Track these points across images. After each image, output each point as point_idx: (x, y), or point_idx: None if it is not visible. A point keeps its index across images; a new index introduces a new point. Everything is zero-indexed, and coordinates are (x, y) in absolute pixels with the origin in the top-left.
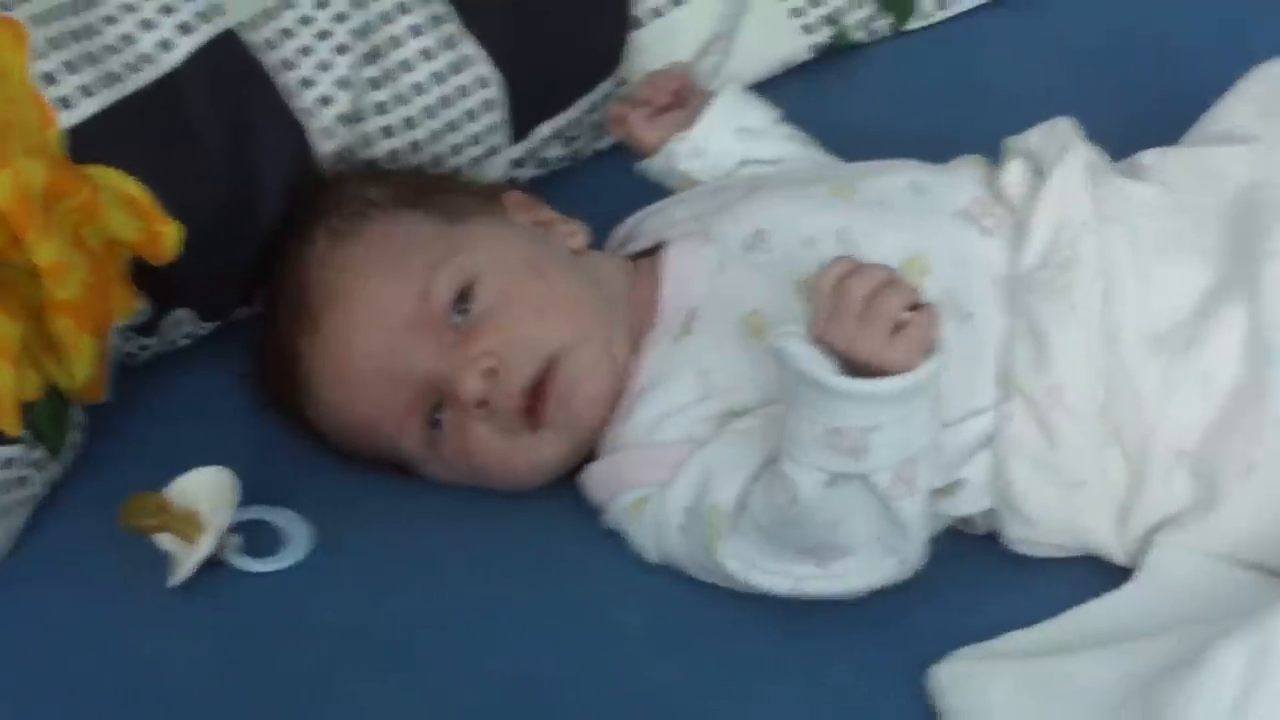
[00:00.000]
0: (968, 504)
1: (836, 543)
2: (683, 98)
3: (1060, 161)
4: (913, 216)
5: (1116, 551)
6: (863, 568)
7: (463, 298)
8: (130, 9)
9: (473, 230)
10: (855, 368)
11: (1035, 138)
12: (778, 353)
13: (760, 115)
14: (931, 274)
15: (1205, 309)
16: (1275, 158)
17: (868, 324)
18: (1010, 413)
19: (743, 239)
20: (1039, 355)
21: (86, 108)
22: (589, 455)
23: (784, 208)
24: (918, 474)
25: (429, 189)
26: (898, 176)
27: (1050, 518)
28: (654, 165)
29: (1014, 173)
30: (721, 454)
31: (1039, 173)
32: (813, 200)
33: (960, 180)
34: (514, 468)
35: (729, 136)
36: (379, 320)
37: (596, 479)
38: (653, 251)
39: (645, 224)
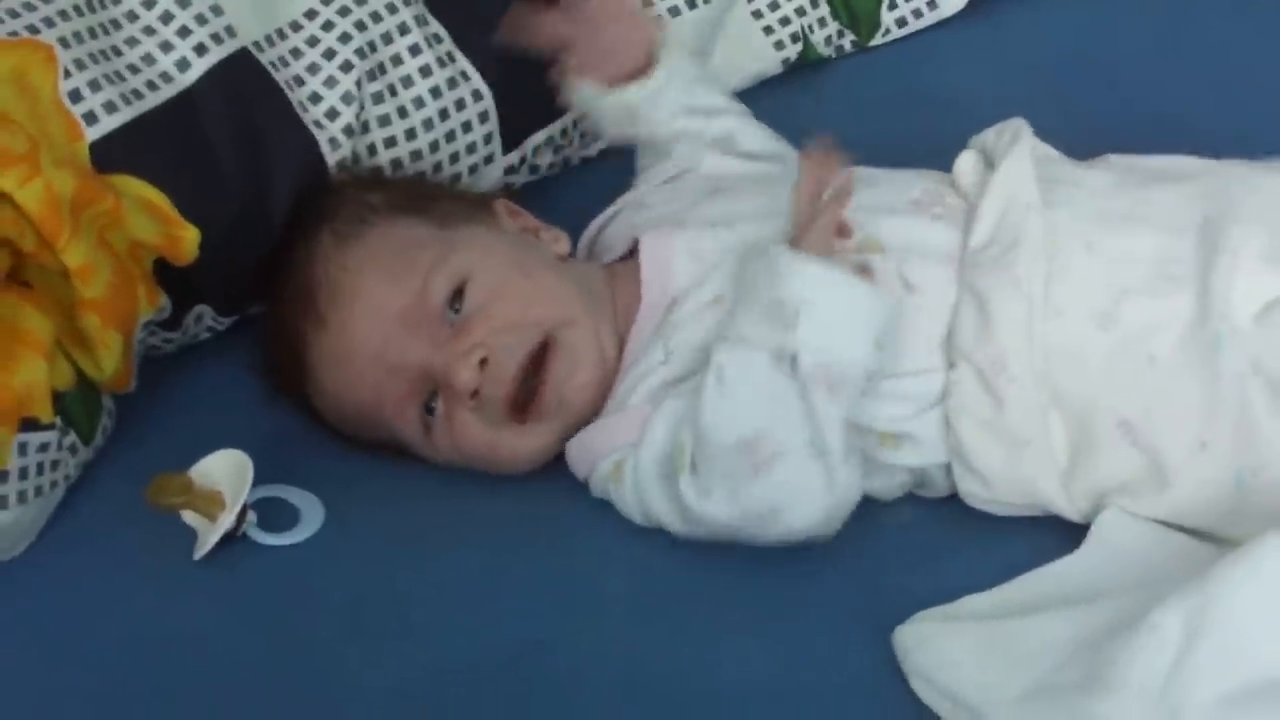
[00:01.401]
0: (913, 457)
1: (768, 442)
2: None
3: (1009, 153)
4: (868, 208)
5: (1068, 510)
6: (794, 474)
7: (456, 296)
8: (150, 32)
9: (464, 235)
10: None
11: (990, 134)
12: (754, 248)
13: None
14: (885, 251)
15: (1153, 292)
16: (1236, 169)
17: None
18: (958, 378)
19: (712, 221)
20: (982, 325)
21: (110, 122)
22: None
23: (749, 200)
24: (839, 383)
25: (423, 196)
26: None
27: (1001, 475)
28: (604, 101)
29: (966, 162)
30: (681, 405)
31: (990, 165)
32: (774, 195)
33: (910, 177)
34: (499, 456)
35: (680, 112)
36: (379, 316)
37: (575, 453)
38: (627, 256)
39: (609, 231)
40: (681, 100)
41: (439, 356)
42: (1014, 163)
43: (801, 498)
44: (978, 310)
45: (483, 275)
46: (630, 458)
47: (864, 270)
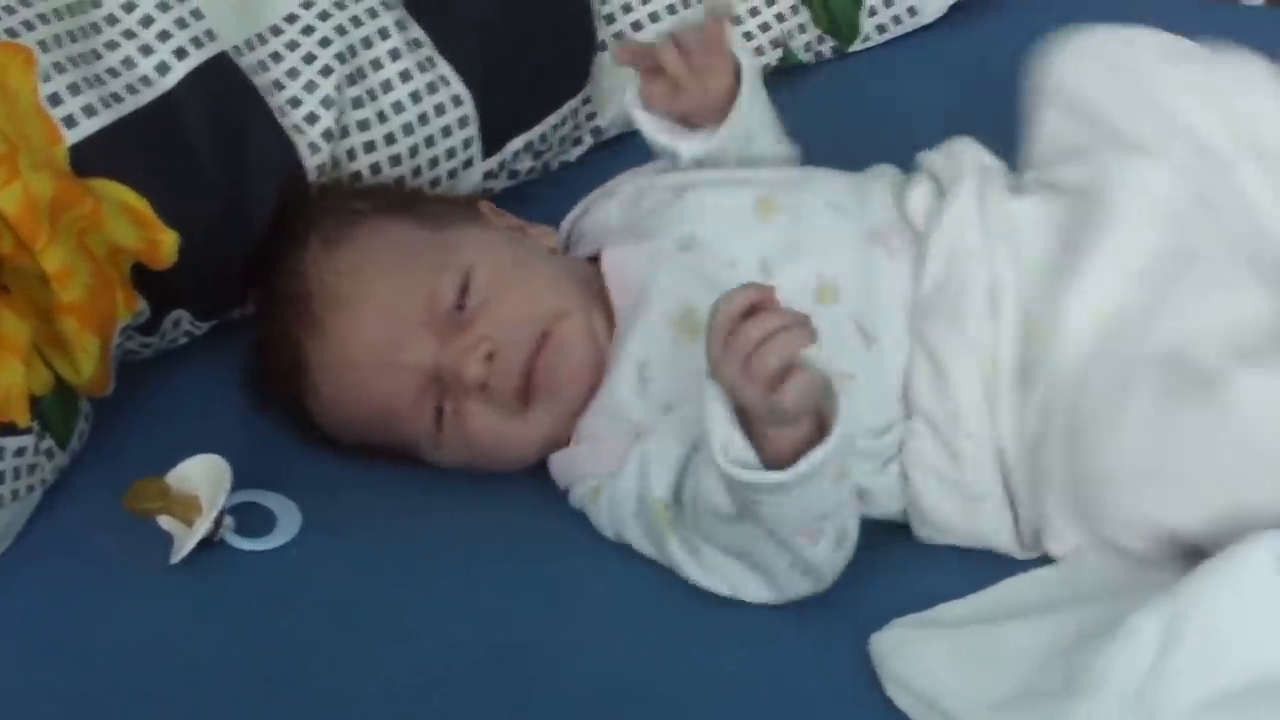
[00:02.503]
0: (876, 509)
1: (752, 560)
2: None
3: (954, 190)
4: (827, 239)
5: (1018, 554)
6: (780, 584)
7: (460, 294)
8: (130, 36)
9: (459, 235)
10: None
11: (939, 159)
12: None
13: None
14: (841, 299)
15: (1051, 331)
16: (1105, 162)
17: (749, 373)
18: (914, 430)
19: (677, 239)
20: (938, 381)
21: (90, 126)
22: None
23: (713, 223)
24: (823, 529)
25: (408, 199)
26: (817, 196)
27: (956, 526)
28: (657, 138)
29: (917, 198)
30: (656, 446)
31: (940, 194)
32: (738, 219)
33: (873, 200)
34: (507, 446)
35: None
36: (383, 319)
37: (557, 469)
38: (595, 259)
39: (582, 225)
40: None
41: (445, 354)
42: (958, 203)
43: (789, 595)
44: (932, 366)
45: (484, 272)
46: (607, 487)
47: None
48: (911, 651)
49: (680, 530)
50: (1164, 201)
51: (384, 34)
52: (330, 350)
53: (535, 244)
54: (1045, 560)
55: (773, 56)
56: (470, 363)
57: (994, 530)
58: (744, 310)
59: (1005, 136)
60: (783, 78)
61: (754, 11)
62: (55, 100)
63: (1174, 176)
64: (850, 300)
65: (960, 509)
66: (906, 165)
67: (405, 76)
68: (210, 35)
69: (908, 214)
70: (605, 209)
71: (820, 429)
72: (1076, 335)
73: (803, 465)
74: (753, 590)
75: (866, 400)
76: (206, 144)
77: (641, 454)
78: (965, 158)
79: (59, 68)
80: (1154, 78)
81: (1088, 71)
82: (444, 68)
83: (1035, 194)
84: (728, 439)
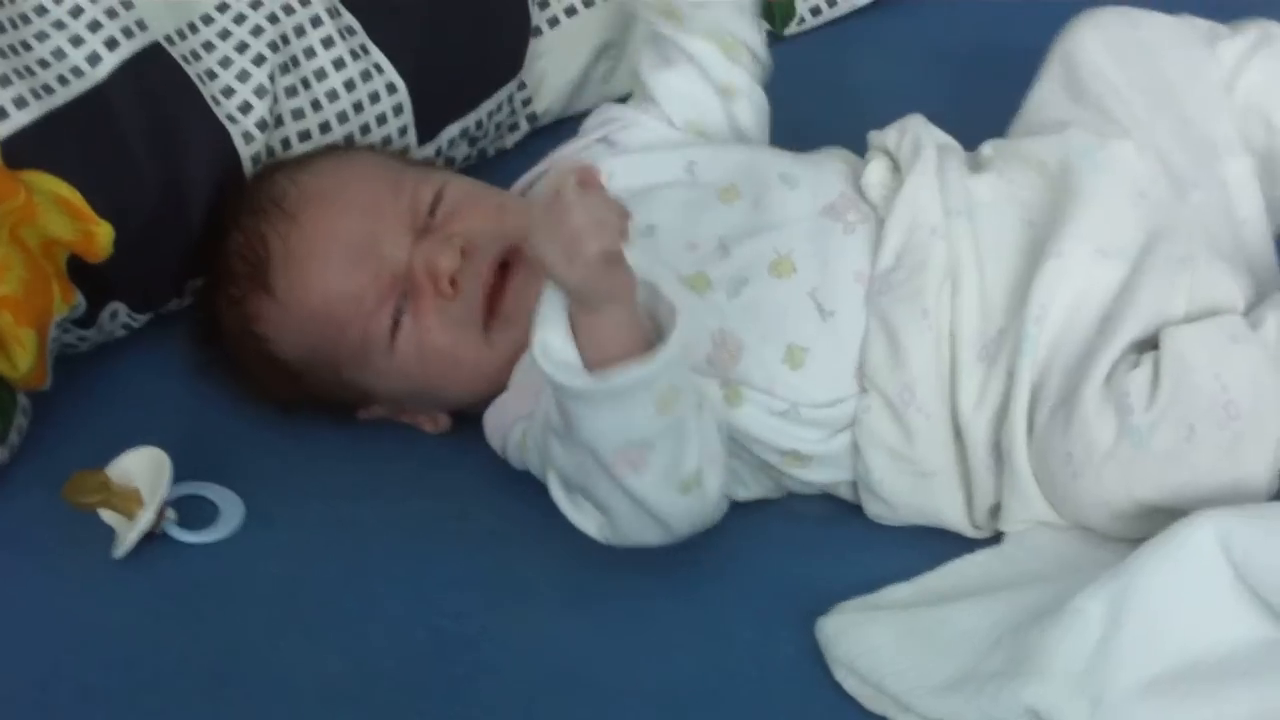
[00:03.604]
0: (817, 475)
1: (591, 495)
2: None
3: (913, 166)
4: (783, 214)
5: (971, 533)
6: (620, 524)
7: (435, 203)
8: (60, 26)
9: (434, 169)
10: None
11: (892, 136)
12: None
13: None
14: (797, 273)
15: (1016, 309)
16: (1079, 141)
17: (571, 250)
18: (868, 405)
19: (637, 226)
20: (893, 356)
21: (20, 118)
22: None
23: (674, 213)
24: (644, 457)
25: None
26: (770, 170)
27: (905, 502)
28: None
29: (875, 173)
30: None
31: (896, 170)
32: (699, 206)
33: (827, 175)
34: (461, 359)
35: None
36: (361, 215)
37: (489, 425)
38: None
39: (535, 191)
40: (723, 24)
41: (419, 249)
42: (917, 179)
43: (640, 537)
44: (888, 340)
45: (456, 189)
46: (529, 428)
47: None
48: (857, 634)
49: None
50: (1137, 184)
51: (316, 21)
52: (300, 238)
53: None
54: (991, 540)
55: None
56: (445, 253)
57: (945, 507)
58: (558, 191)
59: (939, 117)
60: None
61: None
62: None
63: (1151, 160)
64: (806, 274)
65: (910, 484)
66: (845, 143)
67: (339, 64)
68: (141, 25)
69: (864, 190)
70: None
71: None
72: (1047, 313)
73: (616, 378)
74: (612, 533)
75: (821, 373)
76: (140, 134)
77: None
78: (921, 135)
79: None
80: (1157, 62)
81: (1093, 50)
82: (377, 55)
83: (994, 170)
84: (550, 337)
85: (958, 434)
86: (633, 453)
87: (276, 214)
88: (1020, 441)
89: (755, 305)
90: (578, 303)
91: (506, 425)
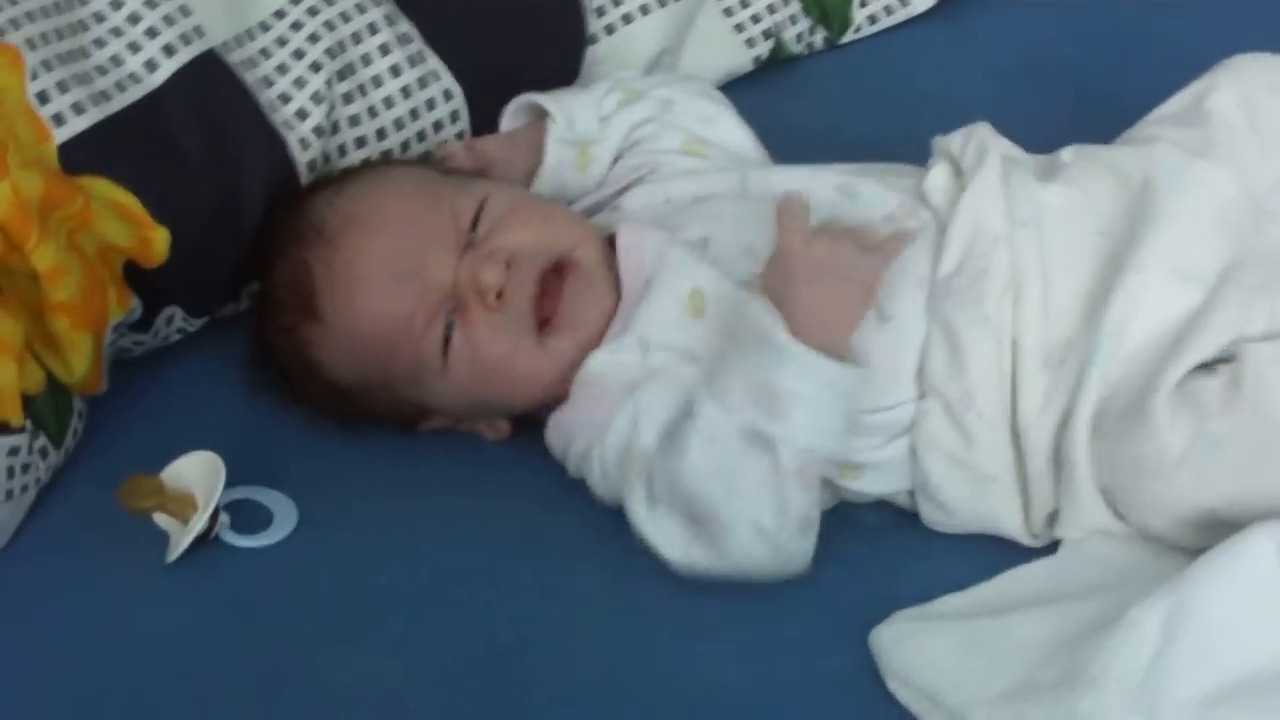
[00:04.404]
0: (872, 485)
1: (717, 509)
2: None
3: (977, 172)
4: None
5: (1028, 541)
6: (738, 548)
7: (477, 217)
8: (118, 33)
9: (475, 179)
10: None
11: (957, 141)
12: (741, 302)
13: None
14: None
15: (1089, 327)
16: (1165, 157)
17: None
18: (928, 409)
19: (689, 240)
20: (954, 361)
21: (78, 124)
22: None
23: (729, 222)
24: (815, 479)
25: (427, 162)
26: (825, 184)
27: (964, 508)
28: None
29: (937, 178)
30: (648, 399)
31: (959, 175)
32: (754, 219)
33: (886, 187)
34: (517, 370)
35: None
36: (401, 237)
37: (553, 432)
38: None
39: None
40: (593, 114)
41: (464, 265)
42: (982, 185)
43: (744, 566)
44: (949, 345)
45: (499, 200)
46: (597, 444)
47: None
48: (912, 645)
49: (648, 481)
50: (1219, 208)
51: (373, 29)
52: (343, 265)
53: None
54: (1047, 550)
55: (764, 48)
56: (489, 269)
57: (1002, 514)
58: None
59: (999, 124)
60: (773, 71)
61: (744, 3)
62: (43, 98)
63: (1235, 188)
64: None
65: (969, 490)
66: (902, 152)
67: (395, 71)
68: (199, 31)
69: (926, 194)
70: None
71: None
72: (1124, 326)
73: (849, 368)
74: (700, 554)
75: (879, 378)
76: (196, 141)
77: (635, 402)
78: (987, 142)
79: (46, 65)
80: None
81: (1226, 100)
82: (434, 62)
83: (1068, 178)
84: (781, 324)
85: (1016, 440)
86: (813, 468)
87: (318, 241)
88: (1082, 449)
89: None
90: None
91: (569, 436)
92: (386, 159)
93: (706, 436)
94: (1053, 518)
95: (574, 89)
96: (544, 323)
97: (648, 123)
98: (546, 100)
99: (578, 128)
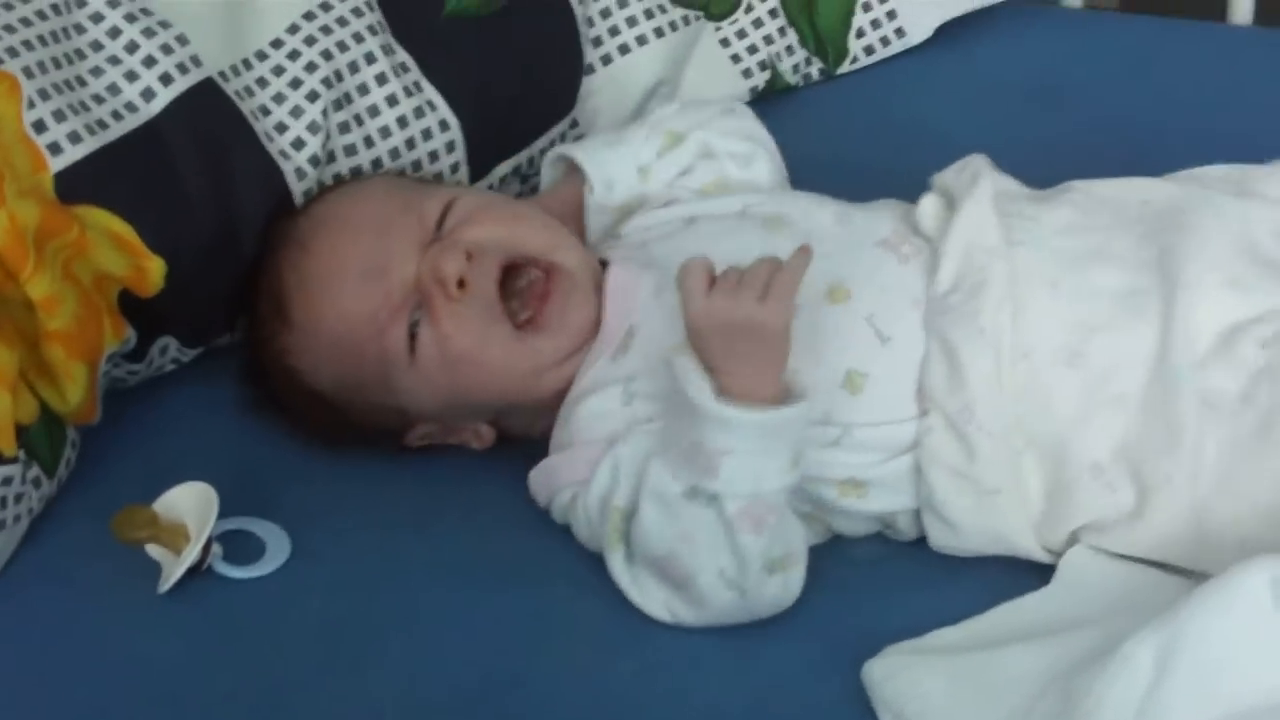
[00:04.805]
0: (879, 503)
1: (681, 564)
2: None
3: (970, 193)
4: (836, 246)
5: (1036, 554)
6: (711, 598)
7: (444, 216)
8: (115, 62)
9: (452, 186)
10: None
11: (950, 174)
12: (668, 364)
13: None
14: (853, 299)
15: (1118, 327)
16: (1199, 192)
17: (740, 289)
18: (930, 426)
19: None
20: (953, 375)
21: (74, 153)
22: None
23: (723, 243)
24: (766, 518)
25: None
26: (823, 209)
27: (970, 522)
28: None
29: (929, 206)
30: (628, 453)
31: (951, 205)
32: (746, 235)
33: (880, 214)
34: (490, 358)
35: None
36: (367, 231)
37: (535, 482)
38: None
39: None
40: (631, 167)
41: (425, 258)
42: (974, 204)
43: (723, 615)
44: (947, 360)
45: (469, 197)
46: (581, 496)
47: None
48: (905, 678)
49: (627, 545)
50: (1249, 236)
51: (370, 58)
52: (311, 265)
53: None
54: (1041, 583)
55: (761, 79)
56: (449, 258)
57: (1011, 528)
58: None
59: (996, 155)
60: (770, 101)
61: (741, 34)
62: (40, 127)
63: (1268, 227)
64: (862, 300)
65: (974, 503)
66: (897, 183)
67: (392, 101)
68: (196, 61)
69: (917, 221)
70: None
71: None
72: (1195, 345)
73: (778, 413)
74: (684, 610)
75: (880, 398)
76: (193, 170)
77: (614, 456)
78: (981, 170)
79: (43, 94)
80: None
81: None
82: (431, 92)
83: (1063, 203)
84: (701, 385)
85: (1037, 449)
86: (758, 510)
87: (290, 245)
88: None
89: (811, 331)
90: (726, 368)
91: (555, 487)
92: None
93: (656, 496)
94: (1075, 534)
95: (612, 137)
96: (527, 321)
97: (688, 172)
98: (584, 160)
99: (616, 191)
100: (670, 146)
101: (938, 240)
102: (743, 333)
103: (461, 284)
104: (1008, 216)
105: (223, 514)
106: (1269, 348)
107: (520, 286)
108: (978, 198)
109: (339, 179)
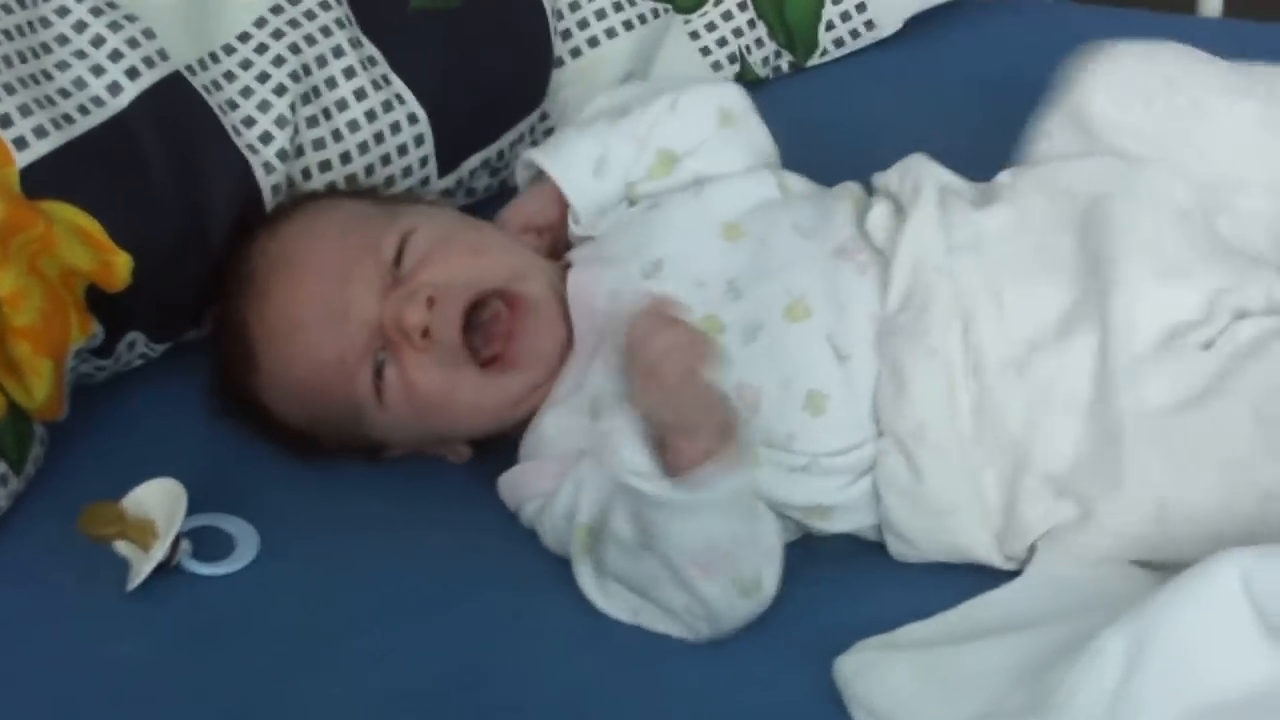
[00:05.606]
0: (841, 525)
1: (650, 596)
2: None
3: (915, 204)
4: (795, 258)
5: (1001, 563)
6: (683, 617)
7: (401, 252)
8: (82, 56)
9: (407, 208)
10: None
11: (894, 177)
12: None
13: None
14: (812, 316)
15: (1061, 333)
16: (1111, 168)
17: (654, 379)
18: (885, 448)
19: (642, 266)
20: (900, 396)
21: (41, 147)
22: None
23: (682, 243)
24: (718, 564)
25: (366, 189)
26: (783, 221)
27: (927, 540)
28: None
29: (877, 218)
30: (591, 476)
31: (899, 211)
32: (706, 241)
33: (836, 218)
34: (457, 403)
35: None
36: (327, 279)
37: (504, 489)
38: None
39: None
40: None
41: (387, 305)
42: (920, 219)
43: (692, 631)
44: (895, 381)
45: (424, 233)
46: (548, 506)
47: (729, 428)
48: (876, 674)
49: (594, 559)
50: (1178, 206)
51: (338, 52)
52: (274, 313)
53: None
54: (1011, 577)
55: (730, 72)
56: (411, 308)
57: (970, 542)
58: (644, 335)
59: (962, 149)
60: None
61: (710, 26)
62: (6, 122)
63: (1183, 183)
64: (821, 317)
65: (930, 524)
66: (867, 179)
67: (360, 95)
68: (163, 54)
69: (868, 233)
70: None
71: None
72: (1131, 343)
73: (707, 489)
74: (652, 621)
75: (841, 419)
76: (160, 164)
77: (578, 473)
78: (922, 175)
79: (9, 89)
80: (1181, 104)
81: (1110, 98)
82: (399, 86)
83: (1006, 200)
84: (634, 455)
85: (995, 464)
86: (704, 560)
87: (250, 291)
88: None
89: (771, 351)
90: (662, 429)
91: (523, 495)
92: (319, 192)
93: (617, 540)
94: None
95: (596, 148)
96: (492, 359)
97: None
98: (568, 189)
99: (601, 214)
100: (662, 172)
101: (888, 253)
102: (686, 399)
103: (425, 333)
104: (951, 227)
105: (191, 510)
106: (1212, 349)
107: (483, 320)
108: (923, 209)
109: (307, 174)
